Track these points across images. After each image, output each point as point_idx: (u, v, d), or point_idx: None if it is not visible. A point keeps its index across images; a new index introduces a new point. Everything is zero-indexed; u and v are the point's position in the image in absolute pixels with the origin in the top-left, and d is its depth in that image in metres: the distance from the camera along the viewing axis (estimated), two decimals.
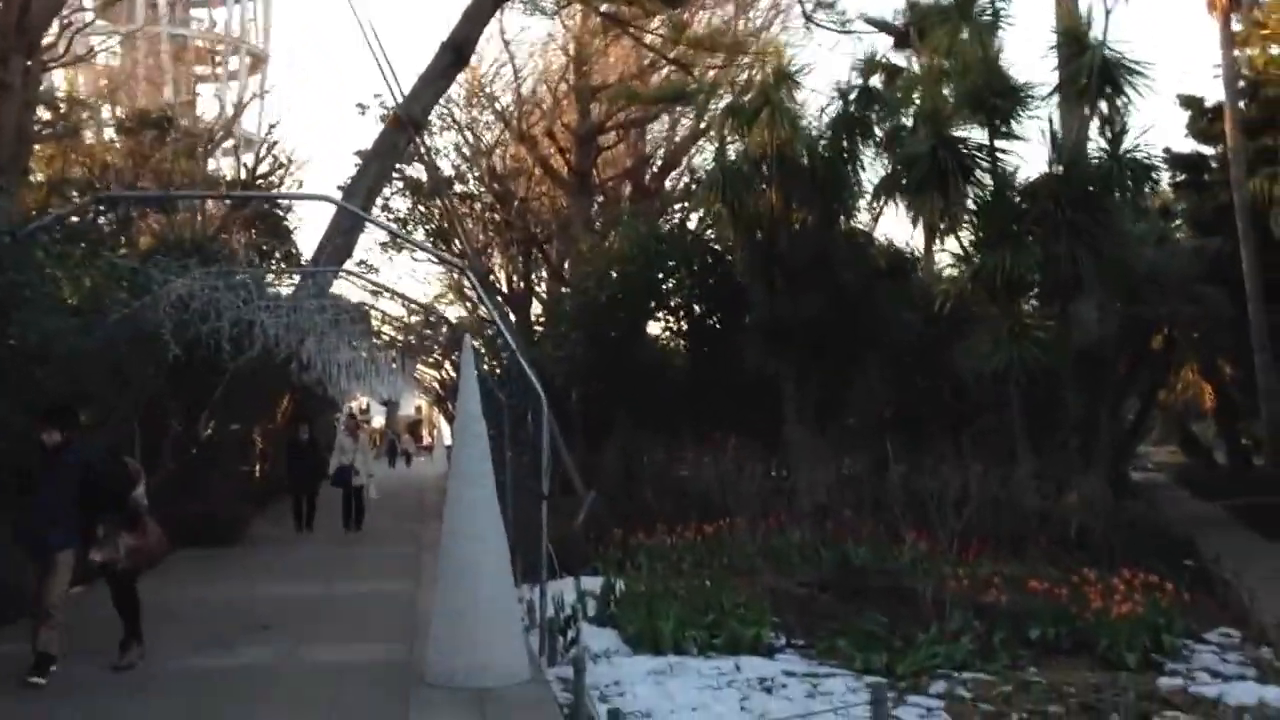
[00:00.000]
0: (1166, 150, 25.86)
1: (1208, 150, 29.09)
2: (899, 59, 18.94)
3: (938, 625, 9.24)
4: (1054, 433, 14.88)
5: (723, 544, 13.45)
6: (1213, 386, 30.89)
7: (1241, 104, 26.71)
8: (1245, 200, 25.41)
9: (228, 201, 20.81)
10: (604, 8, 19.89)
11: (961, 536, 13.34)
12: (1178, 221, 27.58)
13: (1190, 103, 28.07)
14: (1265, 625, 10.33)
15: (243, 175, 26.52)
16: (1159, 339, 23.86)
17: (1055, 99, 14.69)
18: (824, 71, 71.82)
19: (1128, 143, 14.69)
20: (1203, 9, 26.99)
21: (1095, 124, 14.59)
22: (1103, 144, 14.68)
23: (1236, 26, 27.63)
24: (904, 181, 14.43)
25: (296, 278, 16.50)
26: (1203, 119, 28.43)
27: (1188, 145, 28.62)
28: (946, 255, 18.64)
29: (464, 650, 7.80)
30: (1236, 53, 27.68)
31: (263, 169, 25.51)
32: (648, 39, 21.50)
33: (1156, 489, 26.45)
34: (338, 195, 17.34)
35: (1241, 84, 27.24)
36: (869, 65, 17.37)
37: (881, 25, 20.29)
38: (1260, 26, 29.09)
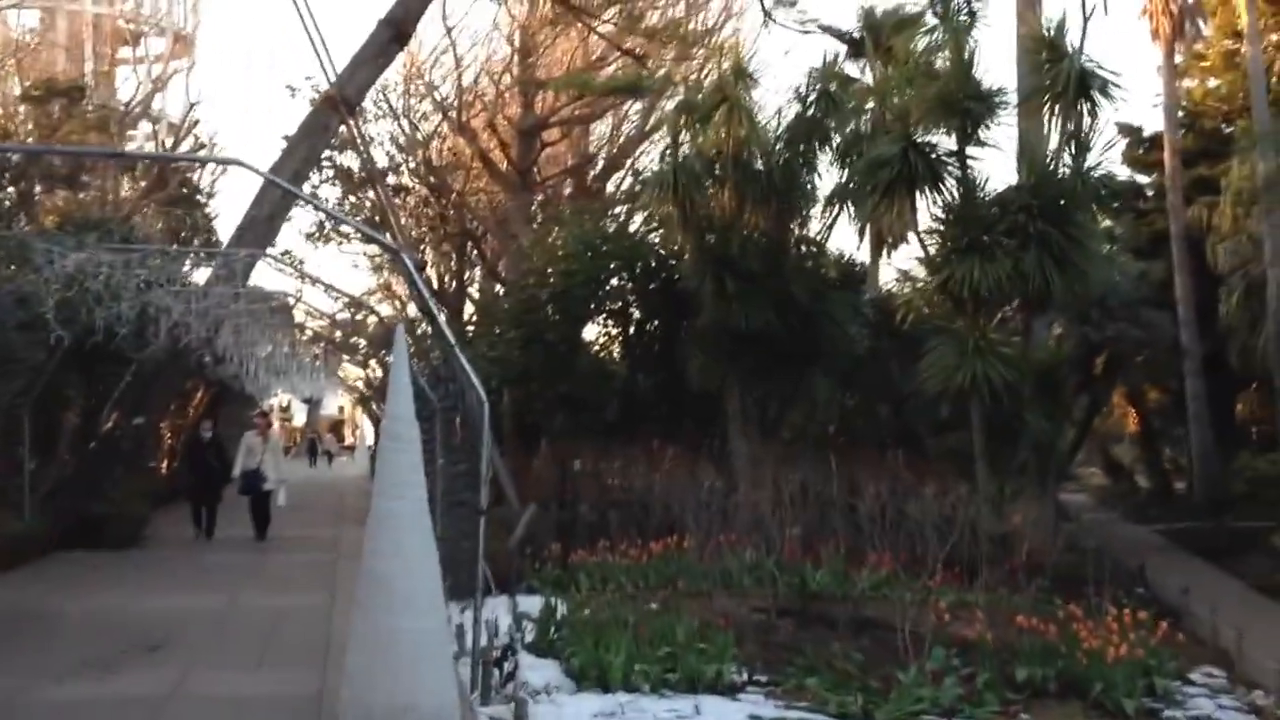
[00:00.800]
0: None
1: (1143, 179, 29.39)
2: (853, 69, 18.28)
3: (917, 665, 8.41)
4: (1013, 453, 14.27)
5: (670, 563, 12.55)
6: (1137, 411, 31.17)
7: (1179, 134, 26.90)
8: (1181, 229, 25.61)
9: (139, 177, 19.34)
10: None
11: (919, 561, 12.76)
12: (1114, 246, 27.70)
13: (1128, 131, 28.20)
14: (1257, 667, 9.70)
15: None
16: (1100, 361, 23.79)
17: (1024, 108, 14.09)
18: (776, 78, 71.67)
19: (1090, 159, 14.25)
20: (1146, 38, 27.02)
21: (1059, 138, 14.04)
22: (1066, 159, 14.17)
23: (1179, 58, 27.80)
24: (871, 185, 13.66)
25: (213, 264, 15.17)
26: (1140, 147, 28.63)
27: (1123, 172, 28.83)
28: (892, 270, 18.15)
29: (384, 686, 6.75)
30: (1178, 84, 27.88)
31: (182, 149, 23.96)
32: (600, 30, 20.55)
33: (1085, 511, 26.38)
34: (260, 182, 16.12)
35: (1180, 114, 27.46)
36: (828, 69, 16.66)
37: (836, 33, 19.64)
38: (1200, 59, 29.37)
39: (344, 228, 25.02)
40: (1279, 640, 11.04)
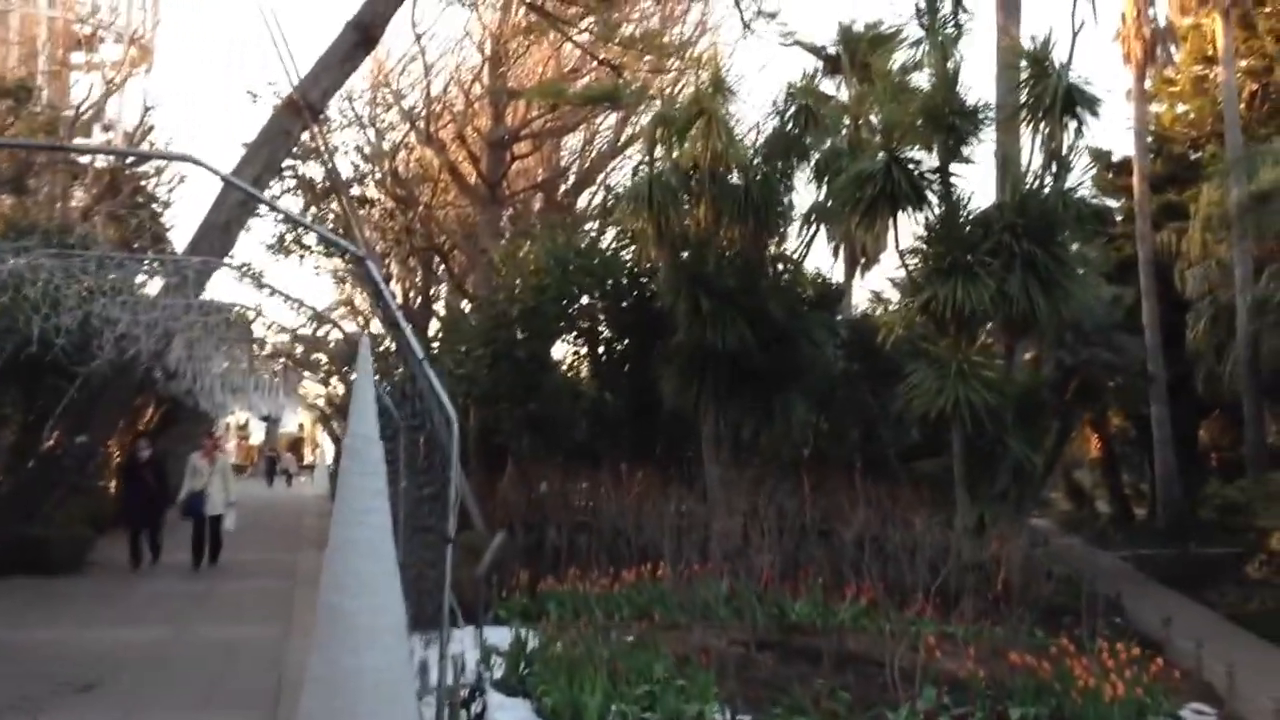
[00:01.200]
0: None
1: (1113, 203, 29.42)
2: (829, 86, 17.98)
3: (908, 704, 7.93)
4: (992, 479, 13.90)
5: (643, 592, 12.01)
6: (1100, 436, 31.11)
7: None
8: (1149, 254, 25.58)
9: (90, 184, 18.55)
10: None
11: (898, 590, 12.35)
12: (1088, 270, 27.65)
13: (1098, 155, 28.27)
14: (1249, 705, 9.32)
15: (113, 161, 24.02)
16: (1072, 386, 23.58)
17: (1006, 126, 13.78)
18: (753, 93, 71.44)
19: (1070, 179, 14.00)
20: (1118, 62, 27.03)
21: (1042, 156, 13.75)
22: (1047, 178, 13.89)
23: (1149, 83, 27.87)
24: (853, 202, 13.26)
25: (164, 273, 14.39)
26: (1109, 172, 28.66)
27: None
28: (865, 291, 17.83)
29: None
30: (1148, 108, 27.96)
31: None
32: (575, 38, 20.03)
33: (1050, 537, 26.17)
34: (219, 190, 15.45)
35: (1149, 139, 27.52)
36: (807, 84, 16.31)
37: (813, 49, 19.35)
38: (1170, 84, 29.49)
39: (306, 239, 24.31)
40: (1267, 675, 10.74)
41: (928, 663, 8.80)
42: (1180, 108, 29.90)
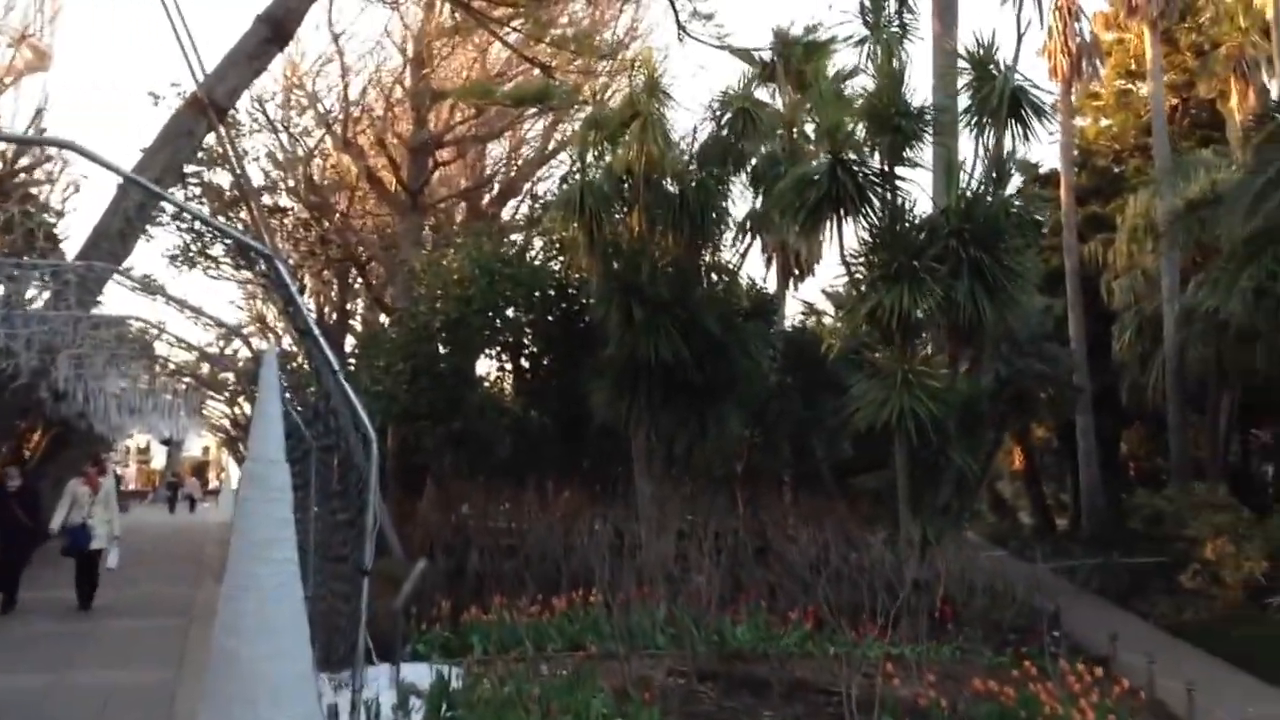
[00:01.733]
0: None
1: (1040, 216, 29.46)
2: (764, 95, 17.54)
3: None
4: (934, 492, 13.45)
5: (575, 621, 11.25)
6: (1023, 448, 31.22)
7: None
8: (1076, 265, 25.72)
9: None
10: None
11: (842, 612, 11.82)
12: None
13: (1026, 168, 28.40)
14: None
15: None
16: (1006, 396, 23.44)
17: (948, 130, 13.40)
18: (687, 96, 70.87)
19: (1011, 186, 13.72)
20: (1044, 75, 27.23)
21: (986, 162, 13.40)
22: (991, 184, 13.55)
23: (1074, 97, 28.09)
24: (795, 206, 12.72)
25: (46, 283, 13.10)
26: (1036, 184, 28.82)
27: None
28: (798, 302, 17.41)
29: None
30: (1074, 122, 28.19)
31: (24, 160, 21.67)
32: (504, 38, 19.19)
33: (978, 550, 26.00)
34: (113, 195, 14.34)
35: (1075, 153, 27.74)
36: (745, 89, 15.84)
37: (745, 55, 18.92)
38: (1095, 98, 29.83)
39: (213, 250, 23.12)
40: (1216, 692, 10.41)
41: (884, 690, 8.21)
42: (1104, 122, 30.27)
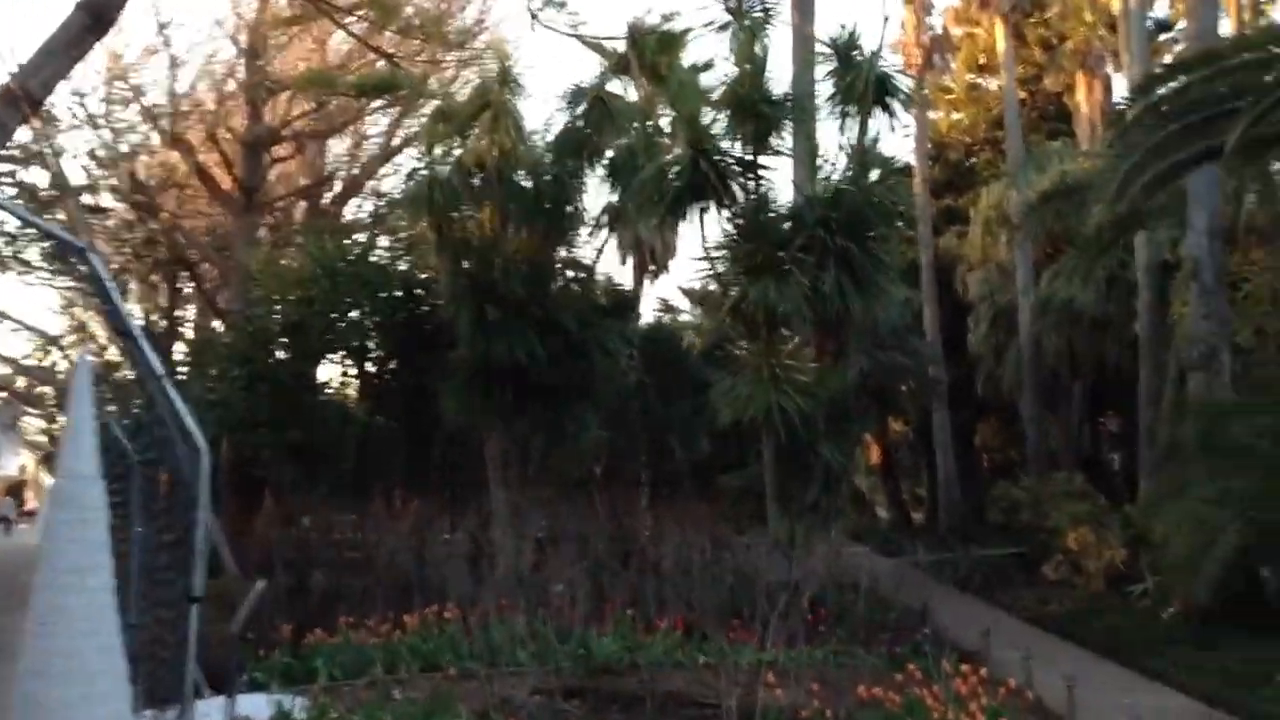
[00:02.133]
0: None
1: (901, 206, 29.90)
2: (617, 87, 17.15)
3: None
4: (804, 490, 13.24)
5: (430, 640, 10.54)
6: (879, 442, 31.64)
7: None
8: (931, 259, 26.20)
9: None
10: None
11: (708, 615, 11.47)
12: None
13: (882, 161, 28.74)
14: None
15: None
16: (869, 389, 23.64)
17: (809, 119, 13.25)
18: (541, 86, 69.60)
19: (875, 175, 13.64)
20: (898, 68, 27.63)
21: (850, 150, 13.31)
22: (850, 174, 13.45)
23: (927, 91, 28.66)
24: (656, 197, 12.32)
25: None
26: (890, 178, 29.13)
27: None
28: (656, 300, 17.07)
29: None
30: (926, 115, 28.73)
31: None
32: (346, 28, 18.12)
33: (839, 547, 26.18)
34: None
35: (929, 146, 28.25)
36: (602, 79, 15.41)
37: (598, 48, 18.50)
38: (946, 92, 30.52)
39: (26, 254, 21.33)
40: (1095, 686, 10.43)
41: (764, 699, 7.85)
42: (955, 116, 30.92)
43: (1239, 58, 10.52)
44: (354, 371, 18.64)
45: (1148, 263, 17.25)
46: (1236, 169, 12.55)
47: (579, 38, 16.44)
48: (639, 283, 20.20)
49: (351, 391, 19.03)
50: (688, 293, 27.56)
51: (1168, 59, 22.67)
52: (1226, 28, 20.18)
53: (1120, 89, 24.37)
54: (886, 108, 12.49)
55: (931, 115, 29.65)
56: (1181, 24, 24.51)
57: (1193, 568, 10.97)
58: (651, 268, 20.71)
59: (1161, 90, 11.38)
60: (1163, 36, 26.44)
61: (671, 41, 16.03)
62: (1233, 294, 14.86)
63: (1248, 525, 10.41)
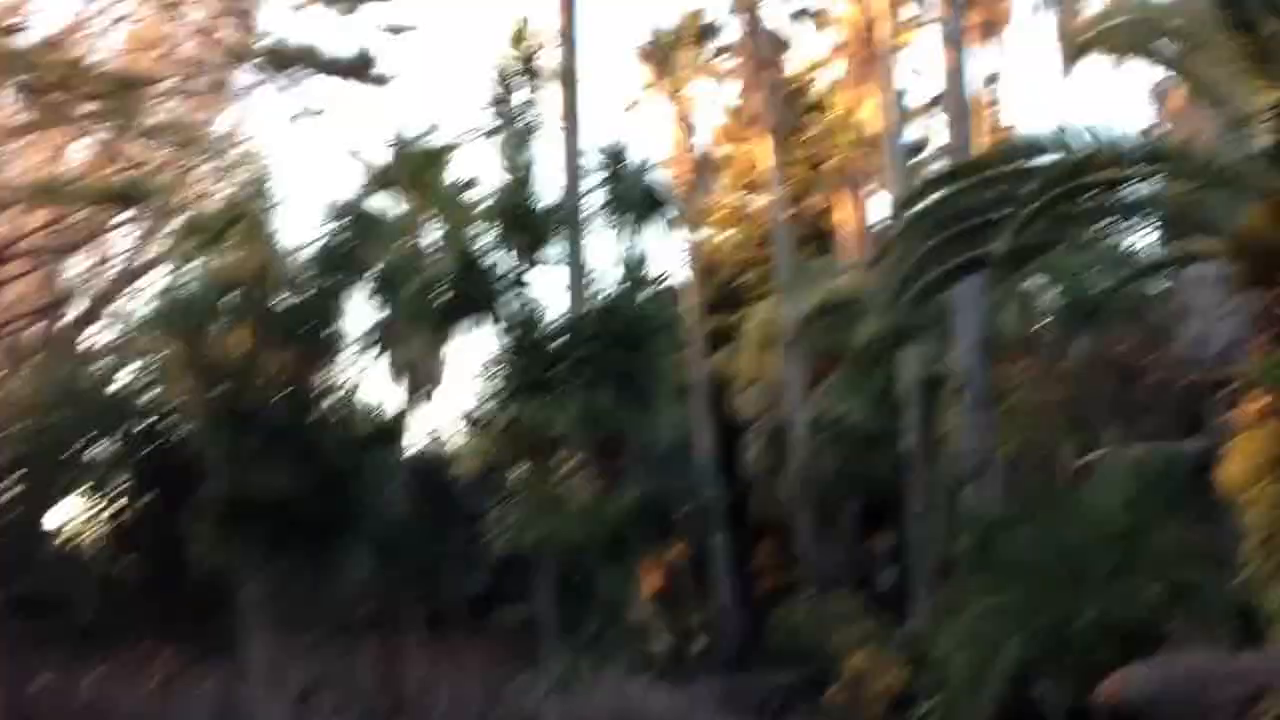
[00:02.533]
0: None
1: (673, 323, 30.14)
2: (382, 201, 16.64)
3: None
4: (584, 622, 12.67)
5: None
6: (660, 568, 31.10)
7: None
8: (703, 378, 26.26)
9: None
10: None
11: None
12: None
13: (654, 277, 29.06)
14: None
15: None
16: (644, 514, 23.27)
17: (581, 232, 13.12)
18: (303, 201, 67.83)
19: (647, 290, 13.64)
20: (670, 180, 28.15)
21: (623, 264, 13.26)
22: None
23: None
24: (423, 312, 11.75)
25: None
26: (663, 294, 29.40)
27: None
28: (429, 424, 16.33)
29: None
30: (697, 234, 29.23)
31: None
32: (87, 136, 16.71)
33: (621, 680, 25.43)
34: None
35: (699, 265, 28.69)
36: (363, 194, 14.88)
37: (359, 159, 17.96)
38: (716, 210, 31.28)
39: None
40: None
41: None
42: (725, 234, 31.55)
43: (998, 170, 10.86)
44: (95, 511, 16.97)
45: (915, 377, 17.78)
46: (1001, 279, 13.04)
47: (340, 151, 15.87)
48: (411, 405, 19.31)
49: (94, 533, 17.29)
50: (466, 415, 26.61)
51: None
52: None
53: (880, 208, 25.72)
54: (662, 216, 12.48)
55: (703, 233, 30.20)
56: (931, 146, 26.25)
57: (975, 686, 10.92)
58: (426, 388, 19.86)
59: (925, 202, 11.69)
60: (914, 159, 28.02)
61: (436, 156, 15.71)
62: (997, 406, 15.43)
63: (1029, 639, 10.46)
